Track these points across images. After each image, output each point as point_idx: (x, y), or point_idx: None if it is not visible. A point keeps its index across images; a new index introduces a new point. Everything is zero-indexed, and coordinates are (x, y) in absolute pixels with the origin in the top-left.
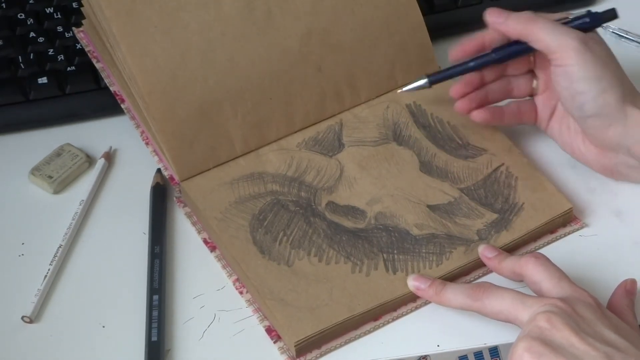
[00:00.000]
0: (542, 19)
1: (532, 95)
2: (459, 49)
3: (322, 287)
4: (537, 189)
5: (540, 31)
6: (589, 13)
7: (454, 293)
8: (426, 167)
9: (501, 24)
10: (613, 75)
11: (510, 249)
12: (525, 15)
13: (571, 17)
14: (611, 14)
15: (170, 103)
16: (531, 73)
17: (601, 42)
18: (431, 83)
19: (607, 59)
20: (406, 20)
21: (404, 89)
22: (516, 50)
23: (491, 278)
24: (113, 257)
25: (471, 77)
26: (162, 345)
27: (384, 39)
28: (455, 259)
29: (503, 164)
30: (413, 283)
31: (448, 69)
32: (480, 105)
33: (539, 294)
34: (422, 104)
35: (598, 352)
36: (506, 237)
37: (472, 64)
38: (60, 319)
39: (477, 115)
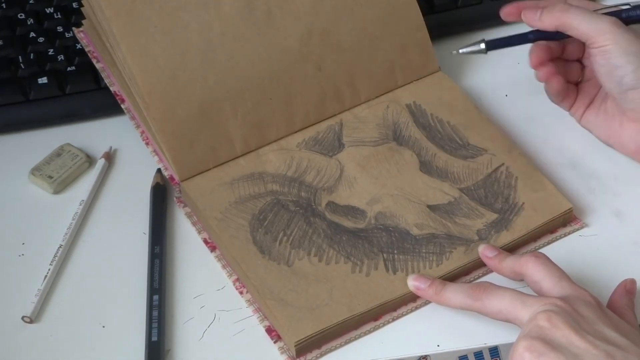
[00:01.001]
0: (575, 8)
1: (578, 82)
2: (513, 8)
3: (322, 287)
4: (537, 189)
5: (574, 21)
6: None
7: (454, 293)
8: (426, 167)
9: (536, 20)
10: None
11: (511, 249)
12: (558, 7)
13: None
14: None
15: (170, 103)
16: (580, 62)
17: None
18: (488, 49)
19: None
20: (406, 20)
21: (462, 50)
22: None
23: (491, 278)
24: (113, 257)
25: (549, 44)
26: (162, 345)
27: (384, 38)
28: (455, 259)
29: (503, 164)
30: (413, 283)
31: (507, 37)
32: (557, 71)
33: (539, 293)
34: (422, 104)
35: (599, 350)
36: (506, 237)
37: (531, 36)
38: (61, 319)
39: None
